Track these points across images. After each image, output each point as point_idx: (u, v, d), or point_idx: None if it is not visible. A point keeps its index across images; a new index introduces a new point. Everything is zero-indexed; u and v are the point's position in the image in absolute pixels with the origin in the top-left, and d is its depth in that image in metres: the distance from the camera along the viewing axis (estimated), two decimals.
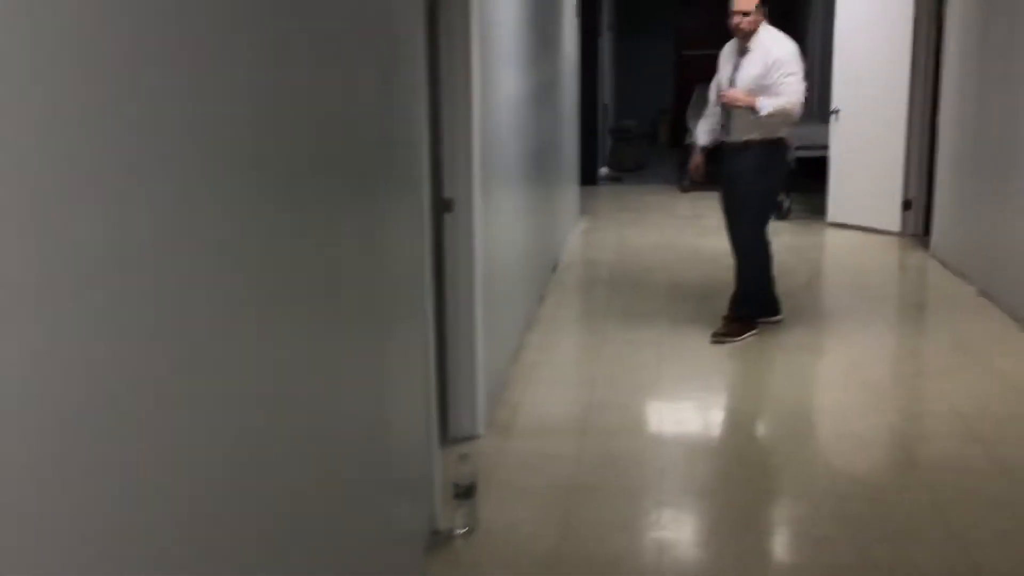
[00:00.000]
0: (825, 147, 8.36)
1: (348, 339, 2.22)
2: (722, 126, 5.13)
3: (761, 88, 4.93)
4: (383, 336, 2.59)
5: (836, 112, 8.12)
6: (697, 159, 5.42)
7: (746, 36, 5.02)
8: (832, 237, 7.98)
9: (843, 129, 8.10)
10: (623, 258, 7.24)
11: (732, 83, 5.02)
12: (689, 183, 5.26)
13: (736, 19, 5.00)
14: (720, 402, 4.48)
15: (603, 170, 11.61)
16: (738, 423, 4.21)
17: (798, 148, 8.50)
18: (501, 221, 4.51)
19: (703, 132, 5.37)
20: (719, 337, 5.15)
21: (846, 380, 4.59)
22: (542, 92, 6.21)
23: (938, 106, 7.04)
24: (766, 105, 4.89)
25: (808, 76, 12.51)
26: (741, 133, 5.04)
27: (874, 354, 4.94)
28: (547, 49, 6.49)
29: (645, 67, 15.17)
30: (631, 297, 6.13)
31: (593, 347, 5.14)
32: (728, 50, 5.22)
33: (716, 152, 5.28)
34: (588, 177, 10.60)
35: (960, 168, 6.54)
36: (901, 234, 7.71)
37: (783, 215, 8.55)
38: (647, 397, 4.41)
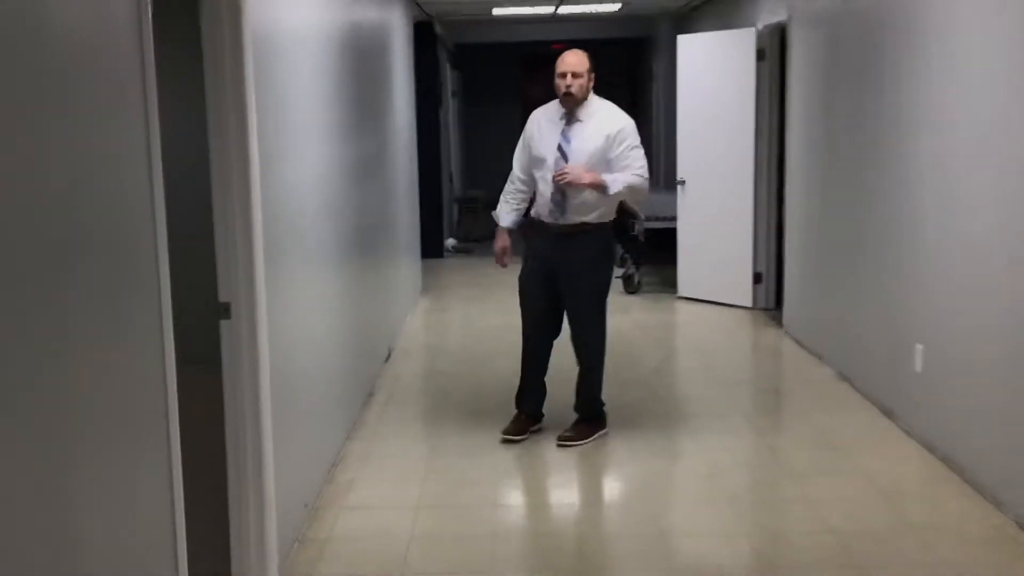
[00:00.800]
0: (674, 218, 8.04)
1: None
2: (552, 207, 4.45)
3: (602, 163, 4.42)
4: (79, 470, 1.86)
5: (682, 183, 7.83)
6: (504, 242, 4.71)
7: (576, 103, 4.46)
8: (683, 312, 7.62)
9: (690, 200, 7.81)
10: (464, 342, 6.64)
11: (563, 158, 4.44)
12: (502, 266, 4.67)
13: (565, 82, 4.42)
14: (564, 527, 3.87)
15: (450, 241, 11.06)
16: (583, 553, 3.61)
17: (647, 220, 8.18)
18: (305, 318, 3.82)
19: (506, 213, 4.70)
20: (566, 440, 4.57)
21: (704, 491, 4.06)
22: (367, 164, 5.60)
23: (784, 176, 6.80)
24: (617, 182, 4.36)
25: (654, 143, 12.44)
26: (577, 214, 4.44)
27: (733, 456, 4.45)
28: (373, 119, 5.89)
29: (492, 135, 14.84)
30: (471, 390, 5.51)
31: (423, 458, 4.47)
32: (545, 119, 4.57)
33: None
34: (433, 250, 10.04)
35: (809, 241, 6.27)
36: (752, 308, 7.41)
37: (633, 289, 8.17)
38: (479, 526, 3.76)
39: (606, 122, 4.46)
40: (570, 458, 4.47)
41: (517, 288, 4.68)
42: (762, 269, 7.41)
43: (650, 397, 5.34)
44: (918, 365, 4.49)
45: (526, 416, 4.68)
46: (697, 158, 7.72)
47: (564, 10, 9.59)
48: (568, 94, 4.42)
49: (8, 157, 1.64)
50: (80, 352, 1.90)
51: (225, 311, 3.07)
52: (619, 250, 9.65)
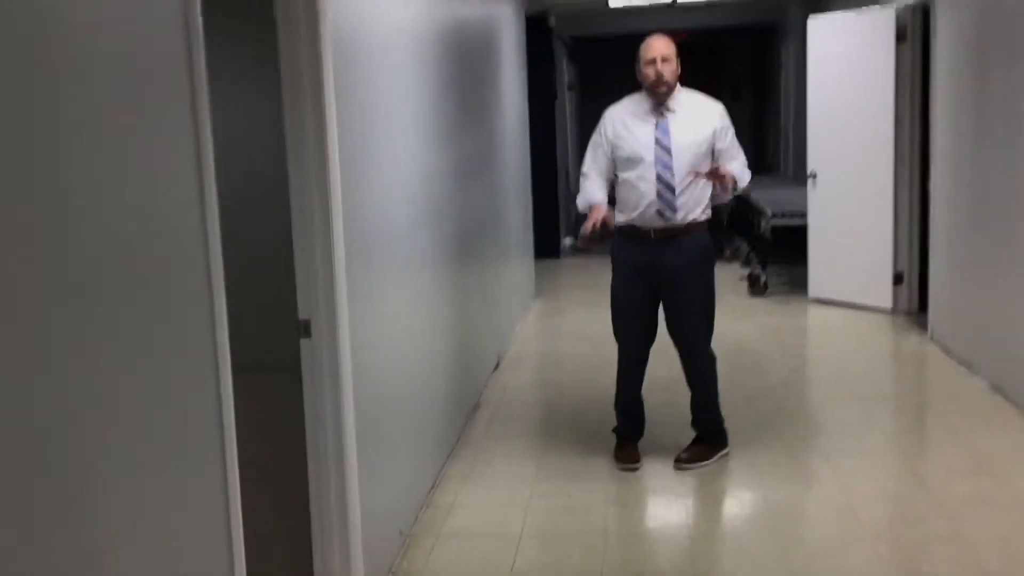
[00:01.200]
0: (804, 214, 7.51)
1: None
2: (660, 207, 4.03)
3: (707, 156, 4.08)
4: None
5: (813, 176, 7.29)
6: (603, 212, 4.06)
7: (668, 92, 4.05)
8: (815, 316, 7.08)
9: (822, 195, 7.25)
10: (577, 350, 6.30)
11: (667, 152, 4.03)
12: (580, 247, 4.30)
13: (656, 68, 4.00)
14: (681, 564, 3.50)
15: (567, 241, 10.74)
16: None
17: (774, 216, 7.67)
18: (398, 331, 3.58)
19: (595, 190, 4.14)
20: (684, 463, 4.20)
21: (840, 525, 3.62)
22: (472, 165, 5.34)
23: (929, 167, 6.20)
24: (745, 175, 4.12)
25: (783, 135, 11.79)
26: (687, 212, 4.05)
27: (873, 483, 3.98)
28: (480, 118, 5.64)
29: None
30: (581, 403, 5.18)
31: (528, 480, 4.17)
32: (628, 114, 4.13)
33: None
34: (549, 250, 9.74)
35: (958, 237, 5.67)
36: (893, 312, 6.82)
37: (760, 291, 7.67)
38: (587, 560, 3.43)
39: (705, 112, 4.11)
40: (688, 482, 4.09)
41: (611, 307, 4.32)
42: (904, 268, 6.80)
43: (777, 413, 4.89)
44: None
45: (632, 439, 4.32)
46: (830, 149, 7.16)
47: None
48: (660, 82, 4.01)
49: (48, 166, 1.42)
50: (127, 364, 1.68)
51: (305, 329, 2.85)
52: (744, 248, 9.17)
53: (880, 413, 4.91)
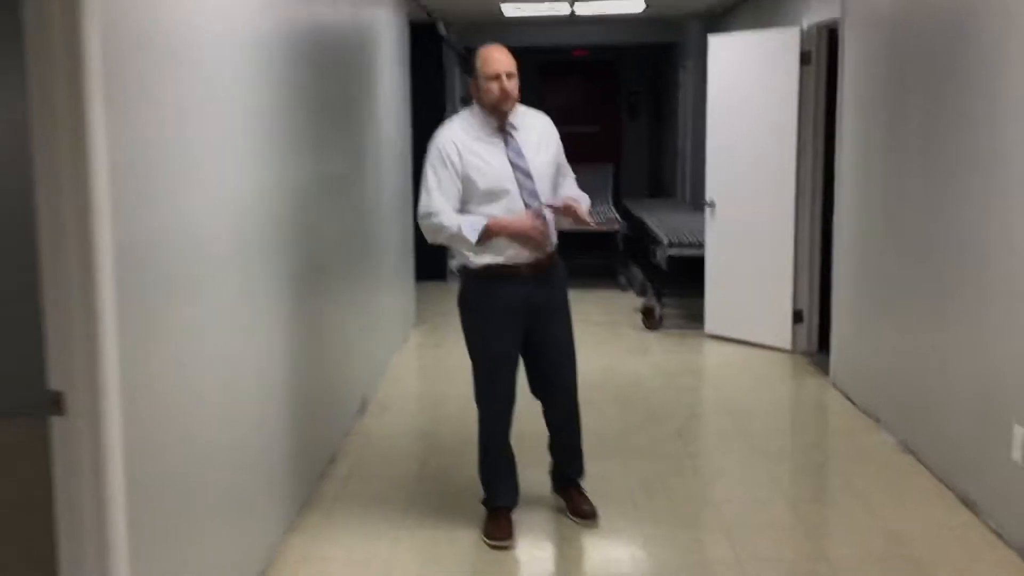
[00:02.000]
0: (701, 244, 7.06)
1: None
2: (539, 240, 3.53)
3: (555, 174, 3.73)
4: None
5: (711, 205, 6.84)
6: (524, 219, 3.49)
7: (510, 110, 3.57)
8: (712, 354, 6.62)
9: (720, 224, 6.81)
10: (454, 389, 5.59)
11: (528, 176, 3.52)
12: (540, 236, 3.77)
13: (502, 84, 3.48)
14: None
15: (454, 262, 10.09)
16: None
17: (671, 245, 7.21)
18: (211, 388, 2.88)
19: (474, 217, 3.50)
20: (589, 518, 3.78)
21: None
22: (334, 180, 4.68)
23: (832, 199, 5.80)
24: (586, 199, 3.77)
25: (680, 159, 11.38)
26: (554, 239, 3.68)
27: (777, 568, 3.46)
28: (346, 131, 4.97)
29: None
30: (454, 457, 4.54)
31: (381, 561, 3.51)
32: (470, 139, 3.52)
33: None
34: (434, 272, 9.08)
35: (863, 276, 5.26)
36: (792, 351, 6.41)
37: (654, 324, 7.18)
38: None
39: (543, 126, 3.70)
40: (572, 559, 3.49)
41: (475, 363, 3.70)
42: (803, 306, 6.40)
43: (671, 472, 4.35)
44: (1017, 453, 3.49)
45: (506, 510, 3.72)
46: (729, 176, 6.73)
47: (583, 9, 8.62)
48: (506, 99, 3.51)
49: None
50: None
51: (56, 404, 2.13)
52: (639, 276, 8.71)
53: (783, 474, 4.42)
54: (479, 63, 3.53)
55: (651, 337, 7.00)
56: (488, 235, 3.44)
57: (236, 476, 3.12)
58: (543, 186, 3.57)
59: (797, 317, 6.40)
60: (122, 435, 2.20)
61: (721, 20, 8.75)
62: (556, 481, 3.94)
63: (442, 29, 9.07)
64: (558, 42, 11.55)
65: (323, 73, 4.46)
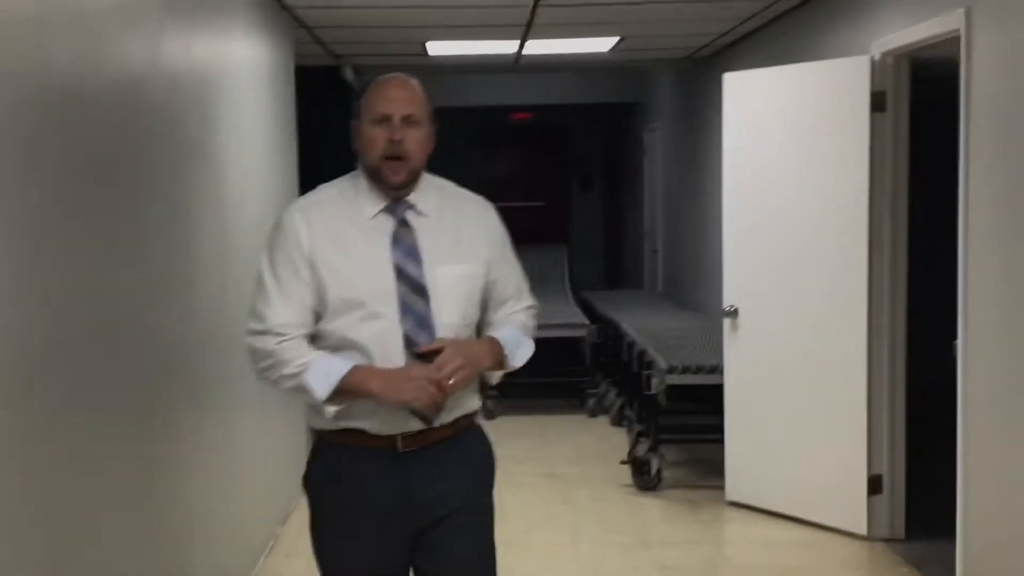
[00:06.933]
0: (715, 370, 4.94)
1: None
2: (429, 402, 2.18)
3: (479, 293, 2.32)
4: None
5: (733, 312, 4.75)
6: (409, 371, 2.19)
7: (410, 178, 2.25)
8: (739, 540, 4.48)
9: (746, 342, 4.71)
10: None
11: (419, 292, 2.21)
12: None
13: (392, 130, 2.20)
14: None
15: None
16: None
17: (671, 372, 5.07)
18: None
19: (327, 358, 2.19)
20: None
21: None
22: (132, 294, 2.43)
23: (916, 306, 3.72)
24: (521, 343, 2.34)
25: (647, 241, 9.17)
26: (458, 401, 2.24)
27: None
28: (163, 214, 2.77)
29: None
30: None
31: None
32: (336, 218, 2.26)
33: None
34: None
35: (998, 421, 3.15)
36: (868, 537, 4.28)
37: (650, 482, 5.01)
38: None
39: (473, 216, 2.36)
40: None
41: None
42: (882, 469, 4.28)
43: None
44: None
45: None
46: (759, 272, 4.66)
47: (535, 49, 6.55)
48: (398, 155, 2.21)
49: None
50: None
51: None
52: (614, 399, 6.62)
53: None
54: (364, 99, 2.31)
55: (647, 507, 4.81)
56: (347, 391, 2.16)
57: None
58: (446, 311, 2.24)
59: (874, 486, 4.27)
60: None
61: (711, 61, 6.71)
62: None
63: (349, 74, 6.96)
64: (498, 101, 9.59)
65: (102, 142, 2.31)
